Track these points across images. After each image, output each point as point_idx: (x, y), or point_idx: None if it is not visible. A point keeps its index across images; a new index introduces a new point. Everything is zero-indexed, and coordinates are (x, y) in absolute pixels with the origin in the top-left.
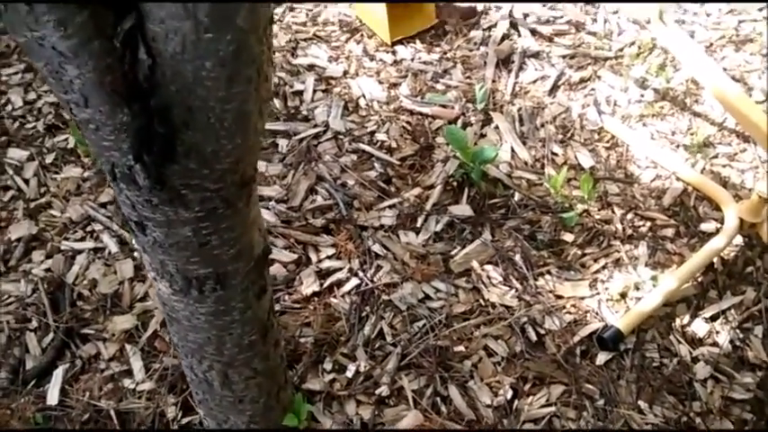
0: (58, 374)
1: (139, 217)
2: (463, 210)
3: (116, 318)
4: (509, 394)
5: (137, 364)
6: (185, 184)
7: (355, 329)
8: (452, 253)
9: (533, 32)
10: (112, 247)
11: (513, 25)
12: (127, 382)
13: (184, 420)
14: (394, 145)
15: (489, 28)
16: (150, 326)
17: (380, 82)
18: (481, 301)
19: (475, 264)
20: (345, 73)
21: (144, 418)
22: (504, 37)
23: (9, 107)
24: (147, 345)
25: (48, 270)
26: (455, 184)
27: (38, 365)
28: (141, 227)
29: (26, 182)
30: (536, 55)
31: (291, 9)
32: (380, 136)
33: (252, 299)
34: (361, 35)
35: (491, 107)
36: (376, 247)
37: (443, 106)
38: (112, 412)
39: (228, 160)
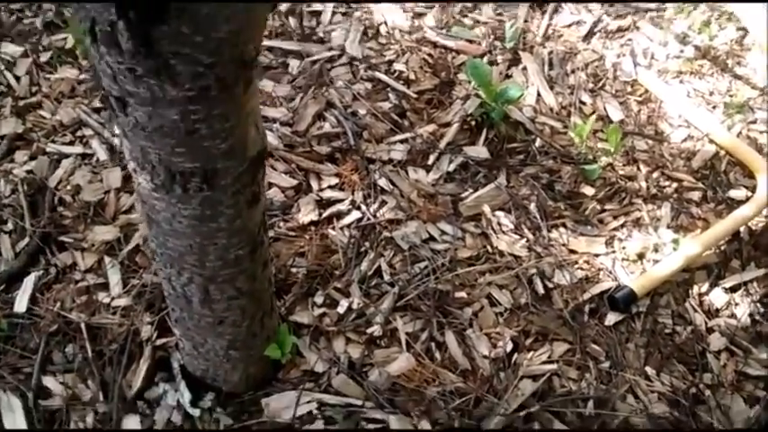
0: (29, 281)
1: (121, 91)
2: (479, 151)
3: (97, 228)
4: (509, 347)
5: (114, 278)
6: (175, 53)
7: (352, 264)
8: (463, 195)
9: None
10: (101, 154)
11: None
12: (102, 296)
13: (159, 341)
14: (412, 77)
15: None
16: (133, 239)
17: (404, 10)
18: (489, 247)
19: (486, 208)
20: None
21: (116, 336)
22: None
23: None
24: (127, 259)
25: (30, 172)
26: (473, 123)
27: (9, 270)
28: (122, 104)
29: (17, 79)
30: None
31: None
32: (399, 66)
33: (242, 206)
34: None
35: (520, 47)
36: (382, 182)
37: (469, 41)
38: (83, 325)
39: (226, 28)
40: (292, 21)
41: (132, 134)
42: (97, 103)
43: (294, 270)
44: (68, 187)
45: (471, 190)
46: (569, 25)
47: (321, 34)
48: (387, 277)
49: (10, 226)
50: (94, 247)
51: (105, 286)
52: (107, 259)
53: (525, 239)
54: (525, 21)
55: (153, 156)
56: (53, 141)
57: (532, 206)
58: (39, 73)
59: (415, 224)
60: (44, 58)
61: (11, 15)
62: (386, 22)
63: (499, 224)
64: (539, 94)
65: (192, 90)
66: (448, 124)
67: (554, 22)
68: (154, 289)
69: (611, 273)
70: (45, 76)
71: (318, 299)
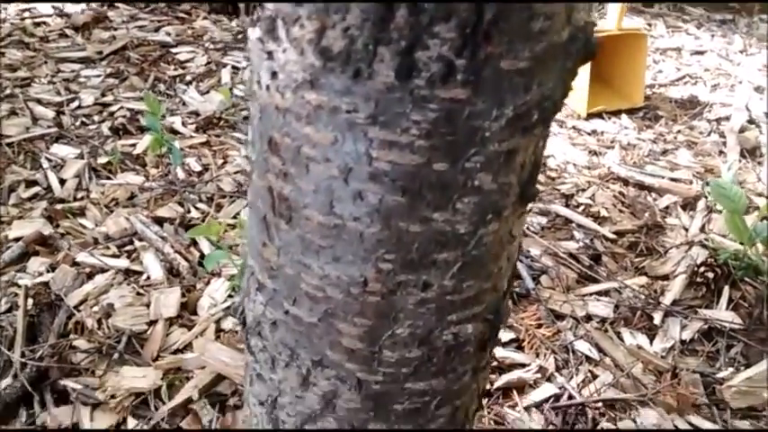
0: None
1: None
2: (724, 316)
3: (126, 370)
4: None
5: None
6: None
7: None
8: (720, 376)
9: None
10: (155, 272)
11: (751, 121)
12: None
13: None
14: (604, 213)
15: (718, 120)
16: (181, 393)
17: (574, 145)
18: None
19: None
20: None
21: None
22: (743, 129)
23: (75, 104)
24: (168, 422)
25: (42, 284)
26: (710, 277)
27: None
28: None
29: (62, 182)
30: None
31: None
32: (582, 199)
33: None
34: None
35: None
36: (582, 345)
37: (674, 180)
38: None
39: None
40: None
41: None
42: (163, 213)
43: None
44: (95, 309)
45: (731, 369)
46: None
47: None
48: None
49: None
50: (115, 399)
51: None
52: (131, 423)
53: None
54: (739, 169)
55: None
56: (90, 253)
57: None
58: (91, 177)
59: (653, 414)
60: (102, 160)
61: (75, 120)
62: (553, 155)
63: None
64: None
65: None
66: (666, 277)
67: None
68: None
69: None
70: (99, 182)
71: None
